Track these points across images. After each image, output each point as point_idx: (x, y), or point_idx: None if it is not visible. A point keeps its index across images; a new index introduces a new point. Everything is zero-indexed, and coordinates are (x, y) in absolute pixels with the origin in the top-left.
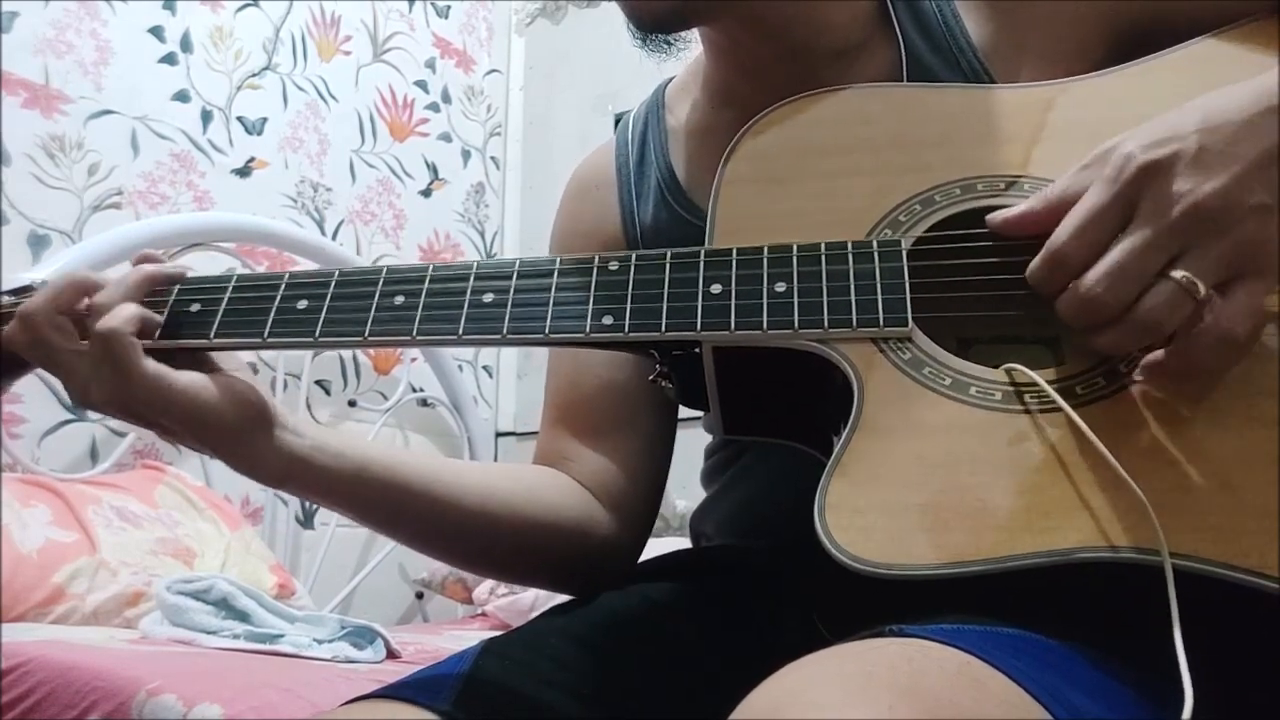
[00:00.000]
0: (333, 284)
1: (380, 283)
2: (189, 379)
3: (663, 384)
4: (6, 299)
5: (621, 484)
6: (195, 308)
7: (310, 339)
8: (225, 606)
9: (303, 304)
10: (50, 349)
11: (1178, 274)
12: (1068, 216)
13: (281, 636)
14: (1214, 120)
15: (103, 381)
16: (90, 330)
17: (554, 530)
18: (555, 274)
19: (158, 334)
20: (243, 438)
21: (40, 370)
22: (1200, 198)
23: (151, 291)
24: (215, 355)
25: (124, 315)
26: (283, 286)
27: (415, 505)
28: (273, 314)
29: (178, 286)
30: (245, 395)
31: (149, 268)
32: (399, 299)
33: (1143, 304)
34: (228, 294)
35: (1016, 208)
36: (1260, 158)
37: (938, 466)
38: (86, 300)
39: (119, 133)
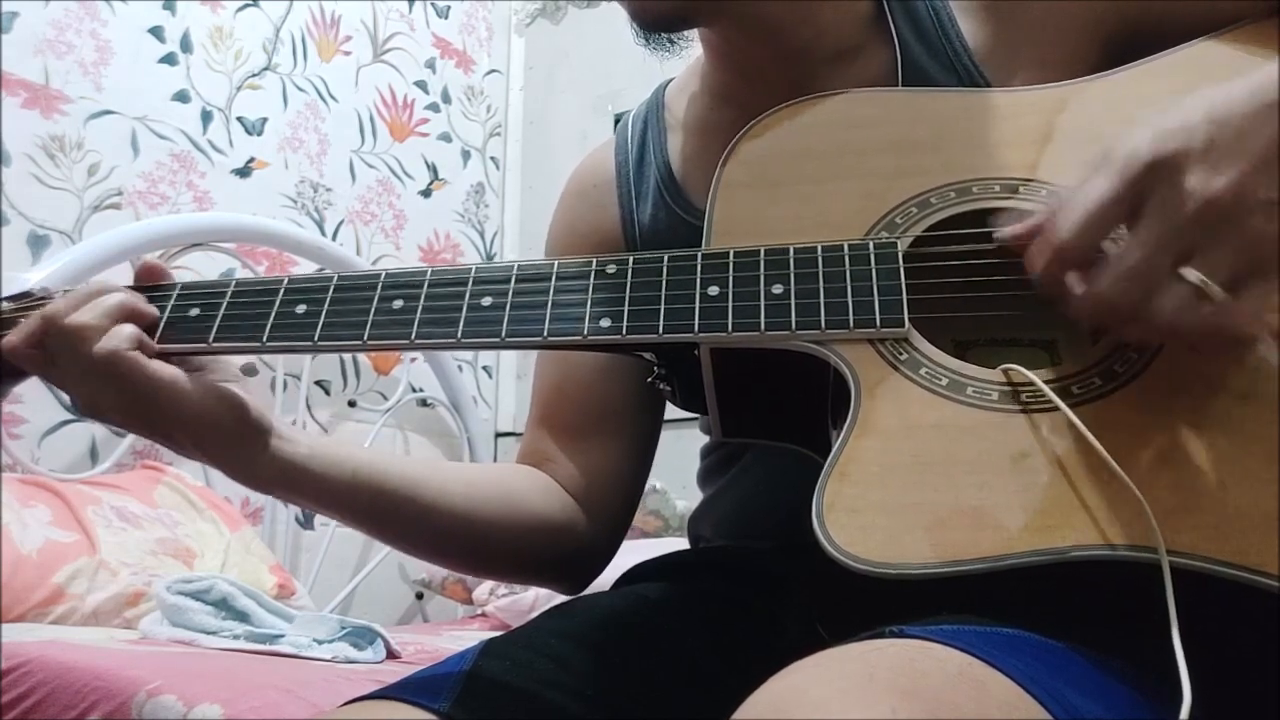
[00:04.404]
0: (331, 288)
1: (379, 287)
2: (195, 387)
3: (661, 386)
4: (6, 305)
5: (600, 486)
6: (194, 312)
7: (309, 343)
8: (225, 607)
9: (301, 308)
10: (65, 355)
11: (1191, 275)
12: (1069, 209)
13: (281, 636)
14: (1220, 115)
15: (106, 396)
16: (89, 352)
17: (534, 532)
18: (553, 277)
19: (157, 338)
20: (239, 445)
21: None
22: (1211, 194)
23: (151, 296)
24: (209, 364)
25: (123, 335)
26: (281, 291)
27: (403, 511)
28: (271, 318)
29: (177, 291)
30: (243, 404)
31: (129, 298)
32: (398, 303)
33: (1157, 305)
34: (226, 298)
35: (1023, 223)
36: (1265, 153)
37: (935, 466)
38: (73, 317)
39: (119, 133)
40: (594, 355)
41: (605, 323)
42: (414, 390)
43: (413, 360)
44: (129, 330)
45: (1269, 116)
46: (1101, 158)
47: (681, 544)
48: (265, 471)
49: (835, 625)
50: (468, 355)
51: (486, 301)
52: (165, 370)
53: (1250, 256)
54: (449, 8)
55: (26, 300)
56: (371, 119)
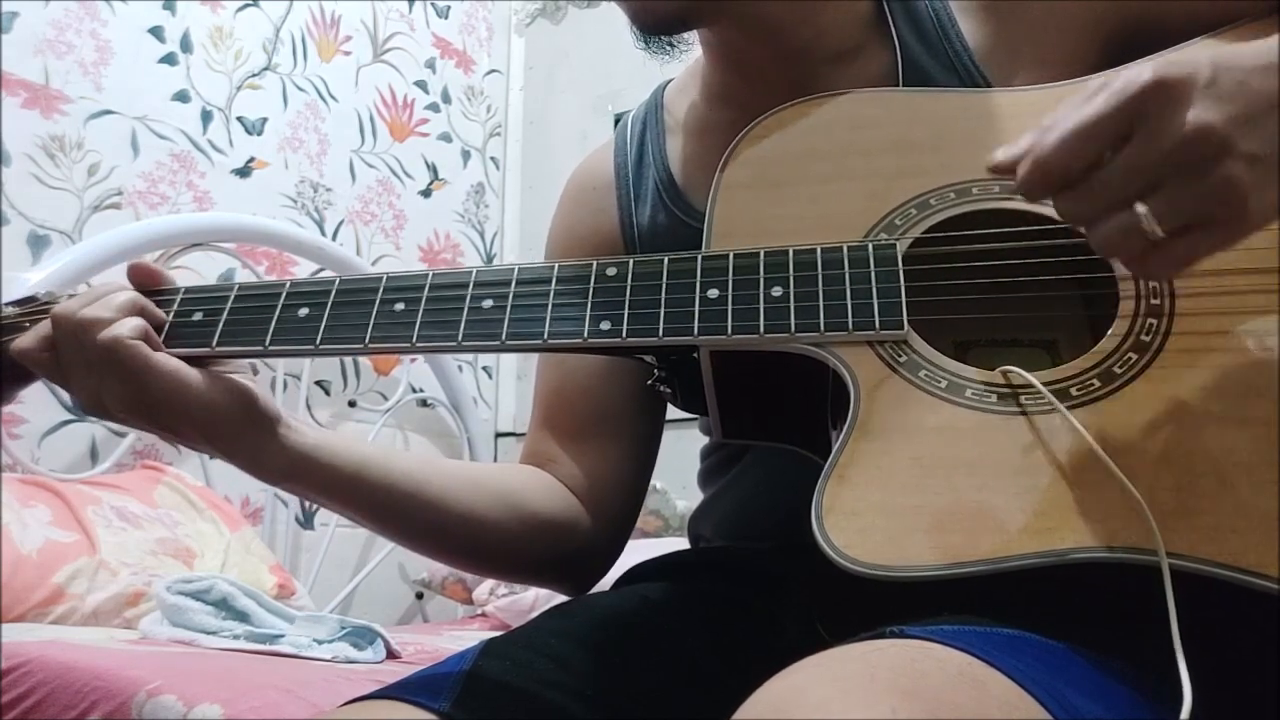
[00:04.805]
0: (333, 292)
1: (380, 290)
2: (200, 377)
3: (661, 388)
4: (9, 309)
5: (603, 486)
6: (198, 316)
7: (311, 346)
8: (225, 607)
9: (304, 311)
10: (71, 349)
11: (1141, 209)
12: (1061, 123)
13: (281, 637)
14: (1224, 63)
15: (111, 388)
16: (94, 342)
17: (537, 531)
18: (554, 280)
19: (161, 340)
20: (248, 436)
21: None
22: (1204, 123)
23: (156, 301)
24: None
25: (128, 325)
26: (284, 295)
27: (407, 505)
28: (274, 322)
29: (180, 295)
30: (251, 395)
31: (139, 296)
32: (399, 306)
33: (1101, 226)
34: (229, 303)
35: (1015, 145)
36: (1262, 106)
37: (934, 468)
38: (84, 311)
39: (119, 133)
40: (594, 358)
41: (605, 325)
42: (414, 390)
43: (413, 361)
44: (135, 321)
45: (1269, 74)
46: (1101, 83)
47: (681, 544)
48: (273, 461)
49: (835, 625)
50: (468, 356)
51: (487, 304)
52: (169, 361)
53: (1211, 205)
54: (449, 8)
55: (31, 305)
56: (371, 119)
